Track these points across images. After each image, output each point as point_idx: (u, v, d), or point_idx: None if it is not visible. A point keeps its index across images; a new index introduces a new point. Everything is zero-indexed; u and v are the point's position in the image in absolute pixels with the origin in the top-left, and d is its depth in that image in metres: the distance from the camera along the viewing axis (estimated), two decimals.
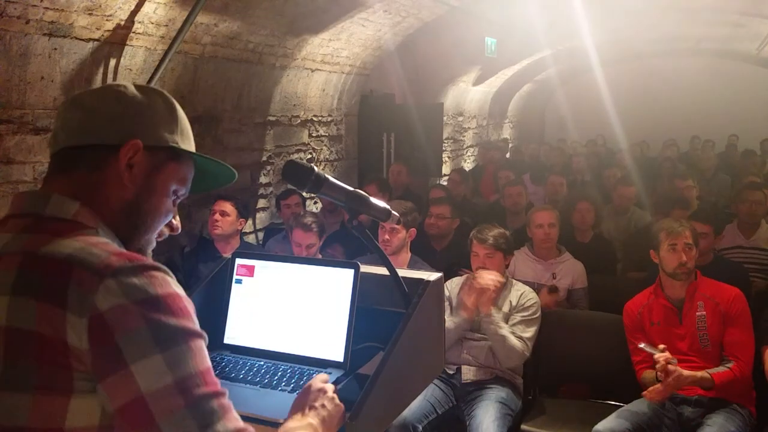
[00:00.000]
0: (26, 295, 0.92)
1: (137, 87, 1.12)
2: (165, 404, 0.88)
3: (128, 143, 1.06)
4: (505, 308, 3.37)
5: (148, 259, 0.98)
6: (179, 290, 0.96)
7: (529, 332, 3.30)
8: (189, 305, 0.97)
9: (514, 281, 3.52)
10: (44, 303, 0.90)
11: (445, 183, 7.75)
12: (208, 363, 0.95)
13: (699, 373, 2.92)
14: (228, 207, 4.09)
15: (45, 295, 0.91)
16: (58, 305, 0.90)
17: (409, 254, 3.74)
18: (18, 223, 1.02)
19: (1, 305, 0.93)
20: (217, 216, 4.06)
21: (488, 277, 3.24)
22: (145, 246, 1.12)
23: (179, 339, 0.92)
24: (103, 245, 0.98)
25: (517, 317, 3.33)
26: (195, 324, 0.96)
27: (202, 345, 0.95)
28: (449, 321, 3.36)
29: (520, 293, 3.41)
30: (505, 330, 3.23)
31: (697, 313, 3.10)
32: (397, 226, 3.56)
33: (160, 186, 1.11)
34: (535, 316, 3.35)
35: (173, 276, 0.98)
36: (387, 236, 3.56)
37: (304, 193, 5.18)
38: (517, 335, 3.26)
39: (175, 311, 0.93)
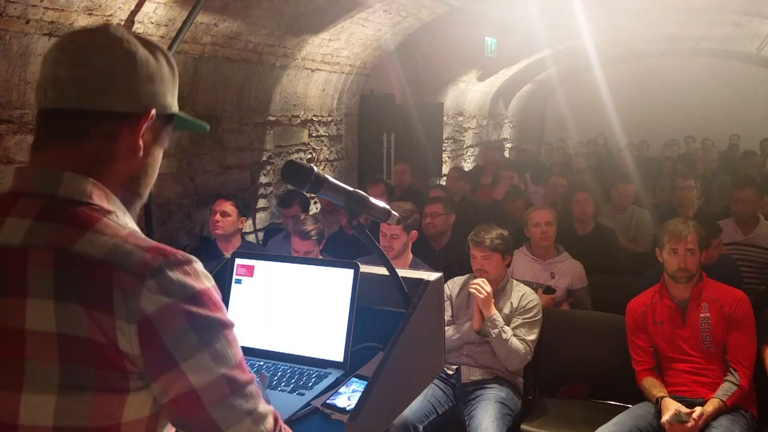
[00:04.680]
0: (73, 302, 0.91)
1: (142, 43, 1.05)
2: (214, 394, 0.95)
3: (147, 114, 1.03)
4: (506, 309, 3.37)
5: (179, 252, 0.98)
6: (209, 282, 0.99)
7: (532, 335, 3.31)
8: (219, 295, 1.00)
9: (515, 282, 3.52)
10: (93, 310, 0.91)
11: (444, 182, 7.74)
12: (241, 351, 1.00)
13: (716, 406, 2.91)
14: (228, 207, 4.08)
15: (92, 302, 0.91)
16: (107, 312, 0.91)
17: (411, 256, 3.74)
18: (31, 205, 0.97)
19: (45, 310, 0.91)
20: (218, 216, 4.06)
21: (475, 285, 3.28)
22: (134, 215, 1.10)
23: (219, 333, 0.97)
24: (132, 239, 0.96)
25: (519, 320, 3.33)
26: (227, 314, 1.00)
27: (235, 335, 1.00)
28: (452, 330, 3.36)
29: (521, 294, 3.41)
30: (507, 333, 3.23)
31: (701, 315, 3.09)
32: (397, 232, 3.56)
33: (158, 152, 1.10)
34: (536, 318, 3.36)
35: (200, 263, 0.99)
36: (387, 243, 3.55)
37: (305, 194, 5.17)
38: (520, 338, 3.27)
39: (211, 306, 0.97)
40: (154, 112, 1.04)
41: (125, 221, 1.02)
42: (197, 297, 0.95)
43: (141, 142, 1.03)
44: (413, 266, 3.67)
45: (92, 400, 0.92)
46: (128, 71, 1.01)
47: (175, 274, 0.94)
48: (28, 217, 0.96)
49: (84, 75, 0.99)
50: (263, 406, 1.00)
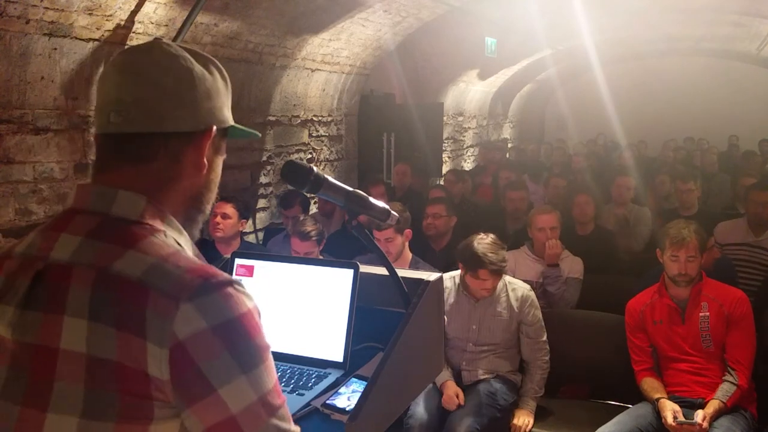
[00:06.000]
0: (105, 323, 0.90)
1: (195, 57, 1.05)
2: (252, 420, 0.93)
3: (209, 131, 1.04)
4: (506, 314, 3.33)
5: (221, 274, 0.95)
6: (250, 303, 0.96)
7: (544, 335, 3.39)
8: (258, 316, 0.97)
9: (510, 279, 3.45)
10: (124, 332, 0.89)
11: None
12: (276, 374, 0.99)
13: (716, 407, 2.91)
14: (229, 209, 4.02)
15: (124, 324, 0.89)
16: (138, 335, 0.89)
17: (410, 255, 3.74)
18: (84, 222, 0.98)
19: (79, 329, 0.90)
20: (219, 219, 3.99)
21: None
22: (196, 231, 1.09)
23: (257, 359, 0.95)
24: (174, 258, 0.95)
25: (529, 330, 3.34)
26: (264, 338, 0.97)
27: (272, 358, 0.98)
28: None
29: (519, 295, 3.36)
30: (535, 396, 3.33)
31: (701, 314, 3.09)
32: (390, 235, 3.55)
33: (218, 167, 1.10)
34: (540, 319, 3.38)
35: (243, 286, 0.97)
36: (384, 248, 3.54)
37: (306, 194, 5.17)
38: (539, 344, 3.36)
39: (250, 331, 0.94)
40: (215, 129, 1.05)
41: (174, 240, 1.00)
42: (236, 322, 0.92)
43: (205, 160, 1.04)
44: (413, 264, 3.67)
45: (115, 428, 0.90)
46: (189, 90, 1.02)
47: (213, 297, 0.92)
48: (79, 234, 0.97)
49: (147, 98, 0.99)
50: (293, 427, 1.00)
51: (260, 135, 1.22)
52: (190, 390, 0.90)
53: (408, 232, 3.73)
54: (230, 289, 0.94)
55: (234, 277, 0.98)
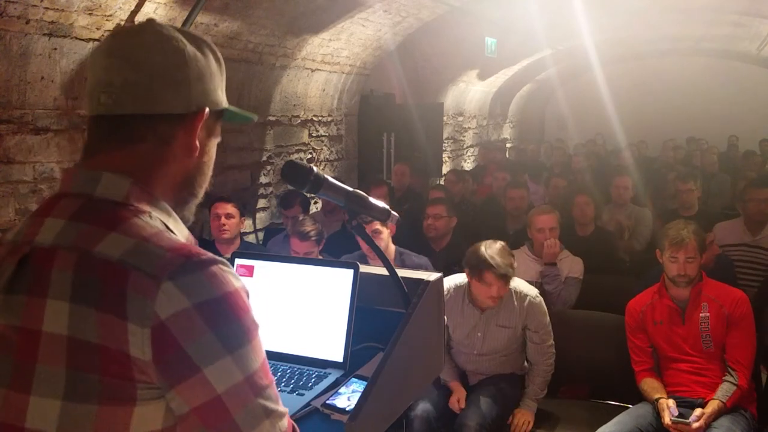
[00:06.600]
0: (86, 305, 0.89)
1: (187, 38, 1.03)
2: (239, 399, 0.92)
3: (201, 113, 1.02)
4: (512, 322, 3.29)
5: (205, 253, 0.94)
6: (237, 283, 0.95)
7: (551, 338, 3.36)
8: (246, 296, 0.96)
9: (517, 287, 3.36)
10: (105, 313, 0.88)
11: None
12: (264, 353, 0.98)
13: (716, 407, 2.90)
14: (231, 209, 4.00)
15: (105, 305, 0.89)
16: (119, 315, 0.88)
17: (394, 247, 3.76)
18: (69, 205, 0.98)
19: (61, 312, 0.90)
20: (224, 219, 3.97)
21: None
22: (189, 214, 1.09)
23: (243, 339, 0.93)
24: (156, 238, 0.94)
25: (536, 336, 3.32)
26: (253, 317, 0.96)
27: (259, 337, 0.97)
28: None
29: (525, 301, 3.30)
30: (536, 398, 3.31)
31: (701, 314, 3.09)
32: (377, 226, 3.55)
33: (213, 148, 1.09)
34: (548, 328, 3.35)
35: (229, 265, 0.96)
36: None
37: (306, 194, 5.17)
38: (544, 348, 3.33)
39: (236, 310, 0.93)
40: (207, 111, 1.03)
41: (160, 221, 0.99)
42: (221, 300, 0.91)
43: (197, 143, 1.03)
44: (398, 256, 3.72)
45: (97, 411, 0.89)
46: (179, 72, 1.00)
47: (197, 276, 0.90)
48: (63, 218, 0.97)
49: (136, 79, 0.98)
50: (281, 408, 0.99)
51: (256, 117, 1.19)
52: (173, 370, 0.89)
53: (392, 226, 3.74)
54: (215, 268, 0.92)
55: (217, 256, 0.95)
